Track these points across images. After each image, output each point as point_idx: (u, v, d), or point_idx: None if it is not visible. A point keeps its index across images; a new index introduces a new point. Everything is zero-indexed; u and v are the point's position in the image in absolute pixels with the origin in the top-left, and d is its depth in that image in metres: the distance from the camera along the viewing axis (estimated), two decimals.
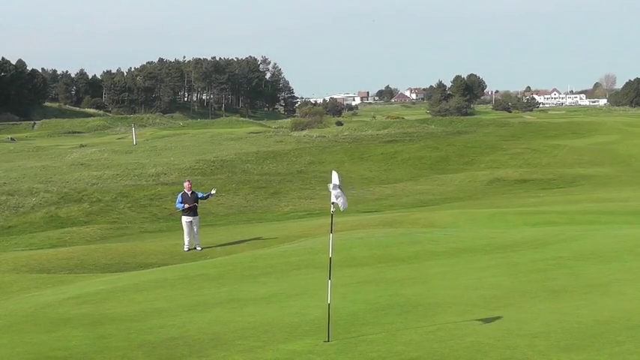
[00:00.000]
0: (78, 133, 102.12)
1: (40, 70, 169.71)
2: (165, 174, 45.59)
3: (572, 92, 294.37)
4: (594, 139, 66.59)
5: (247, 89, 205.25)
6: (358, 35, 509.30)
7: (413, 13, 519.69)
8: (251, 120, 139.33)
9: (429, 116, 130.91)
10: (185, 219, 21.15)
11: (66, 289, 13.36)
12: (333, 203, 8.25)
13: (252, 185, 41.51)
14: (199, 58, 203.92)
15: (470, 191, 41.07)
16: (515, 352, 7.22)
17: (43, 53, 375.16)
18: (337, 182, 8.18)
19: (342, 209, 8.31)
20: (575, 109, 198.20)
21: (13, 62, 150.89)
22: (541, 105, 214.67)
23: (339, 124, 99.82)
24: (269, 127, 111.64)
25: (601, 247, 14.12)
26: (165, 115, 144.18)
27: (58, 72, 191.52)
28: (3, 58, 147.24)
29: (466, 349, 7.41)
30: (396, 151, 58.93)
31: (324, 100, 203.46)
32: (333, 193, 8.15)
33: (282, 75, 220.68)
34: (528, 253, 13.86)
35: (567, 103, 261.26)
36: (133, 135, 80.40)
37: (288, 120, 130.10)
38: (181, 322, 9.30)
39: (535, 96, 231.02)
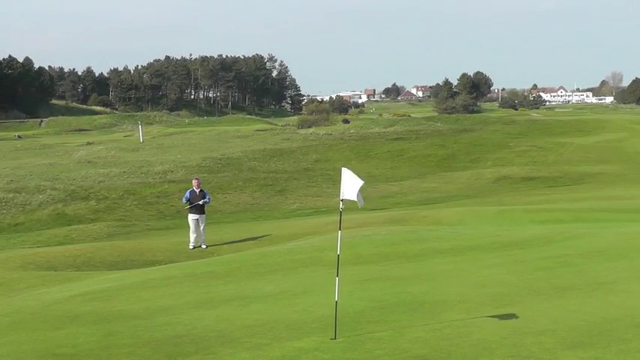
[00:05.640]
0: (85, 130, 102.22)
1: (47, 68, 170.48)
2: (172, 172, 45.62)
3: (578, 90, 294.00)
4: (601, 136, 66.31)
5: (254, 87, 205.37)
6: (365, 33, 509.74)
7: (419, 11, 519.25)
8: (258, 118, 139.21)
9: (436, 114, 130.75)
10: (192, 217, 21.19)
11: (73, 287, 13.40)
12: (342, 200, 8.19)
13: (258, 183, 41.52)
14: (206, 56, 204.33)
15: (476, 189, 40.99)
16: (522, 350, 7.22)
17: (50, 51, 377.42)
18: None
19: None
20: (582, 106, 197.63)
21: (21, 60, 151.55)
22: (547, 103, 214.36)
23: (346, 121, 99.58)
24: (276, 124, 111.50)
25: (608, 244, 14.09)
26: (172, 113, 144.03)
27: (65, 70, 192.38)
28: (10, 56, 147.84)
29: (472, 347, 7.41)
30: (402, 148, 58.83)
31: (330, 97, 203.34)
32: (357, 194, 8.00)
33: (289, 73, 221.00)
34: (535, 251, 13.84)
35: (574, 101, 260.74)
36: (140, 133, 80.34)
37: (295, 118, 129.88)
38: (188, 320, 9.32)
39: (542, 94, 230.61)
